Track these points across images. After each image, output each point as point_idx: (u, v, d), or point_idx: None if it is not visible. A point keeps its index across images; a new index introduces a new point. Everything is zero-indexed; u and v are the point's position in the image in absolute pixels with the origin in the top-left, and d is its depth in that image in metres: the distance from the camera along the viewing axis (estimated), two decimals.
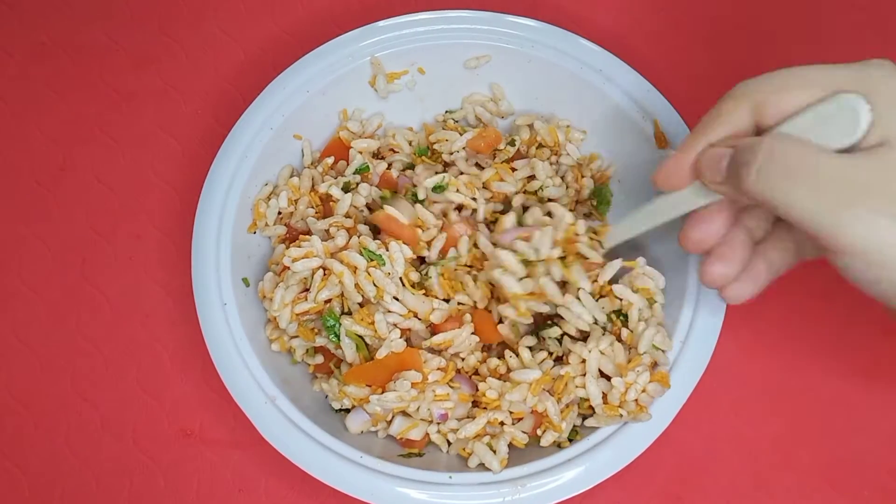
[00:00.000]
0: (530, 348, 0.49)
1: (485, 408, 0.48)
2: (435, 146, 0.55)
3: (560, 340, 0.49)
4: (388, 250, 0.48)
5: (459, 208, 0.52)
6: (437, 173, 0.52)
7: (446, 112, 0.58)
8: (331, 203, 0.52)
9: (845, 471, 0.50)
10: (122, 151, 0.60)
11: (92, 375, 0.54)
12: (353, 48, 0.56)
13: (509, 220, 0.48)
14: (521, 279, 0.46)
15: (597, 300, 0.47)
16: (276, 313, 0.49)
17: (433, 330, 0.49)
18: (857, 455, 0.50)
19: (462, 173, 0.53)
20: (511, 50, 0.56)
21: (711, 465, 0.50)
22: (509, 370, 0.48)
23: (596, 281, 0.47)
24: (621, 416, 0.46)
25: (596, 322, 0.47)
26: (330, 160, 0.55)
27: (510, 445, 0.48)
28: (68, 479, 0.52)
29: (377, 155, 0.57)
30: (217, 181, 0.53)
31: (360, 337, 0.48)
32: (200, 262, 0.51)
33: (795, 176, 0.35)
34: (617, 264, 0.47)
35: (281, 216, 0.54)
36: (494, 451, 0.47)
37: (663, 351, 0.47)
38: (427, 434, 0.49)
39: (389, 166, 0.54)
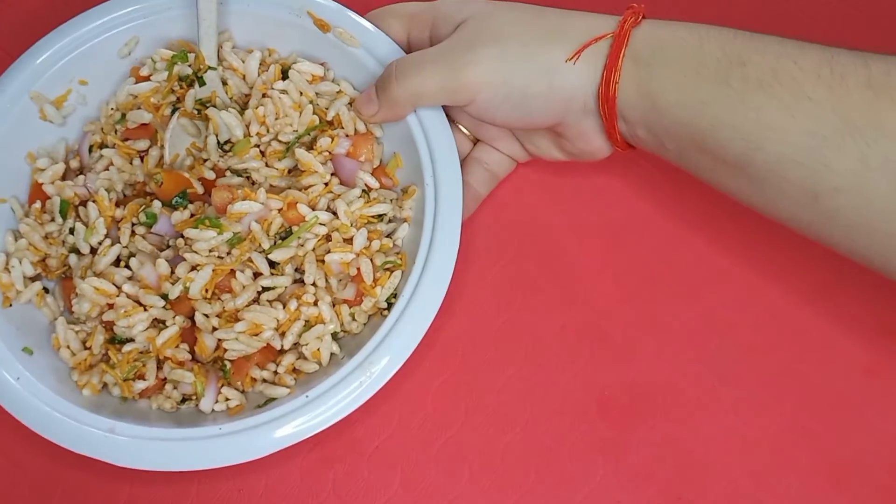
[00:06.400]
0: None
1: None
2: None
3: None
4: None
5: None
6: None
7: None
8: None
9: (845, 471, 0.50)
10: None
11: None
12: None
13: None
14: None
15: None
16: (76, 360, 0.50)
17: None
18: (857, 455, 0.50)
19: None
20: None
21: (711, 465, 0.50)
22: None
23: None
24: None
25: None
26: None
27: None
28: (68, 479, 0.51)
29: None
30: None
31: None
32: None
33: (421, 66, 0.47)
34: None
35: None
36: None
37: None
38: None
39: None
